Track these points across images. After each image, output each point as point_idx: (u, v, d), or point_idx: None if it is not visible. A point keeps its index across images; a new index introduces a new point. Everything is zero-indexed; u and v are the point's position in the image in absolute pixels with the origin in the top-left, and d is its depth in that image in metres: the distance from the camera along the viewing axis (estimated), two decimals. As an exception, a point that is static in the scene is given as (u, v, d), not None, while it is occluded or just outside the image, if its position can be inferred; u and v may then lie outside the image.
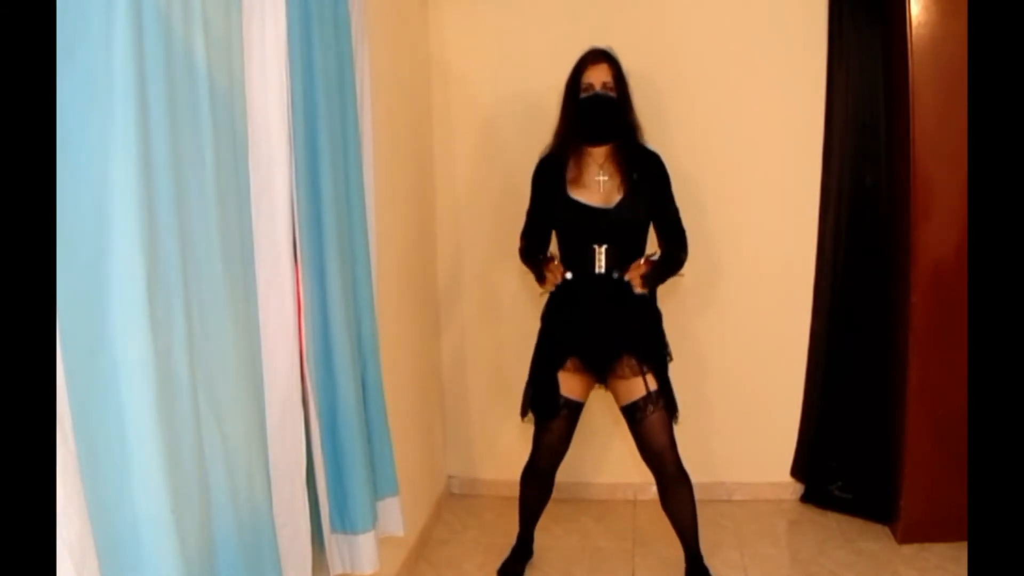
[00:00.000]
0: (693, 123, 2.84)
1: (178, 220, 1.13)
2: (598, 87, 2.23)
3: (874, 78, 2.67)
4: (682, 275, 2.39)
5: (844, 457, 2.83)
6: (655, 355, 2.31)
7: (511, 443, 3.00)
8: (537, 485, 2.49)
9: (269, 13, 1.44)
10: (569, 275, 2.27)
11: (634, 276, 2.23)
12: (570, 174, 2.28)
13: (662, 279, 2.31)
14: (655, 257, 2.27)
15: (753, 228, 2.89)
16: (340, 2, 1.80)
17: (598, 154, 2.28)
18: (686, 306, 2.87)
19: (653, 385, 2.27)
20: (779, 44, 2.79)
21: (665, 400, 2.29)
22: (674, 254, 2.33)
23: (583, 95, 2.24)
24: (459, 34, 2.95)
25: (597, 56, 2.27)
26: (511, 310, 3.03)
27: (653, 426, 2.27)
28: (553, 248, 2.42)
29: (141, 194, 1.02)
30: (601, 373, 2.33)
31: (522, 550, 2.58)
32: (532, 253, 2.39)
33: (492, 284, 3.06)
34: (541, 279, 2.33)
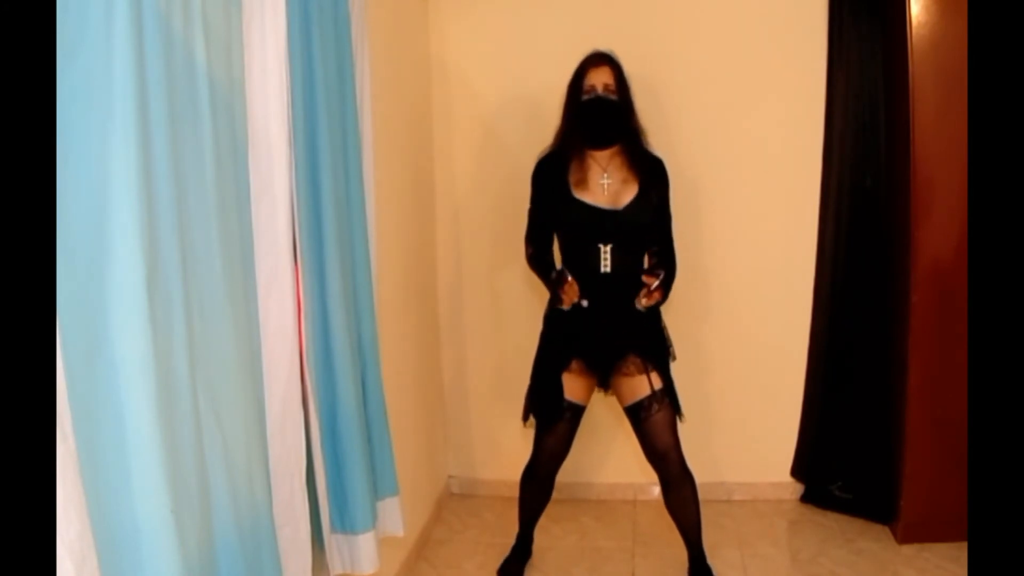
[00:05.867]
0: (693, 123, 2.84)
1: (178, 220, 1.13)
2: (600, 89, 2.23)
3: (874, 78, 2.67)
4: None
5: (844, 457, 2.83)
6: (659, 354, 2.31)
7: (511, 443, 3.00)
8: (537, 487, 2.50)
9: (269, 13, 1.44)
10: (585, 303, 2.25)
11: (648, 303, 2.23)
12: (573, 176, 2.27)
13: (666, 298, 2.30)
14: (659, 277, 2.22)
15: (753, 228, 2.89)
16: (340, 2, 1.80)
17: (601, 157, 2.28)
18: (686, 306, 2.87)
19: (658, 384, 2.26)
20: (779, 44, 2.79)
21: (669, 399, 2.29)
22: (669, 269, 2.32)
23: (585, 97, 2.24)
24: (459, 34, 2.95)
25: (599, 59, 2.26)
26: (512, 309, 3.03)
27: (658, 425, 2.27)
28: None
29: (141, 194, 1.02)
30: (604, 374, 2.33)
31: (522, 550, 2.59)
32: (542, 260, 2.38)
33: (492, 283, 3.06)
34: (556, 299, 2.29)
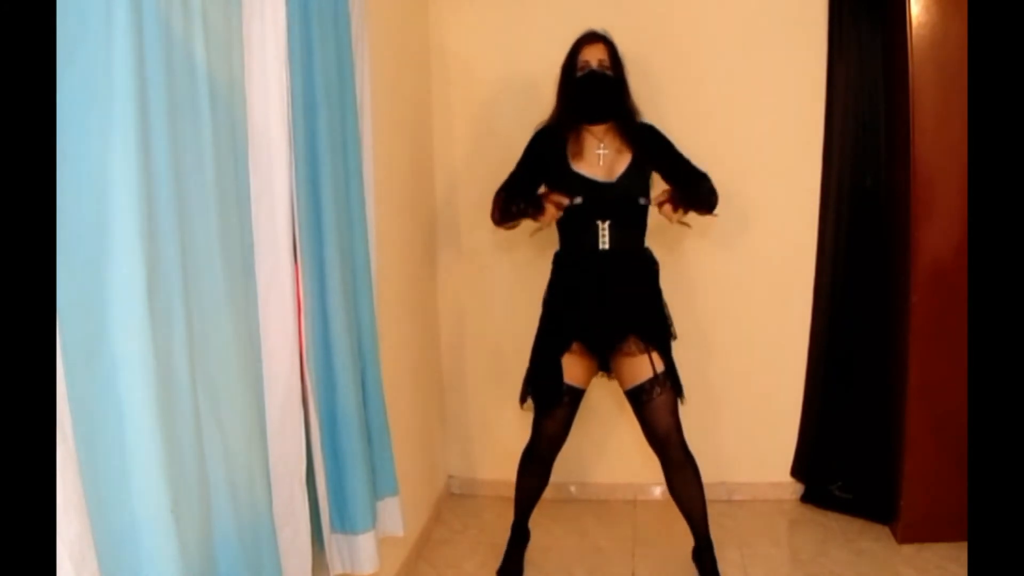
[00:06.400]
0: (693, 123, 2.83)
1: (178, 220, 1.13)
2: (594, 64, 2.23)
3: (874, 78, 2.67)
4: (716, 215, 2.32)
5: (844, 457, 2.83)
6: (660, 335, 2.30)
7: (511, 443, 2.99)
8: (535, 472, 2.47)
9: (269, 13, 1.44)
10: (579, 199, 2.18)
11: (663, 201, 2.16)
12: (571, 148, 2.27)
13: (692, 201, 2.22)
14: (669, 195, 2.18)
15: (753, 228, 2.89)
16: (340, 2, 1.80)
17: (597, 130, 2.29)
18: (686, 305, 2.87)
19: (660, 366, 2.26)
20: (779, 44, 2.79)
21: (671, 381, 2.28)
22: (694, 182, 2.26)
23: (579, 73, 2.25)
24: (460, 32, 2.95)
25: (593, 36, 2.28)
26: (511, 309, 3.03)
27: (659, 409, 2.26)
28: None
29: (141, 194, 1.02)
30: (604, 356, 2.32)
31: (518, 538, 2.55)
32: (514, 198, 2.27)
33: (493, 283, 3.06)
34: (539, 208, 2.18)
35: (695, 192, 2.25)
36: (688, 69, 2.84)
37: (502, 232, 2.99)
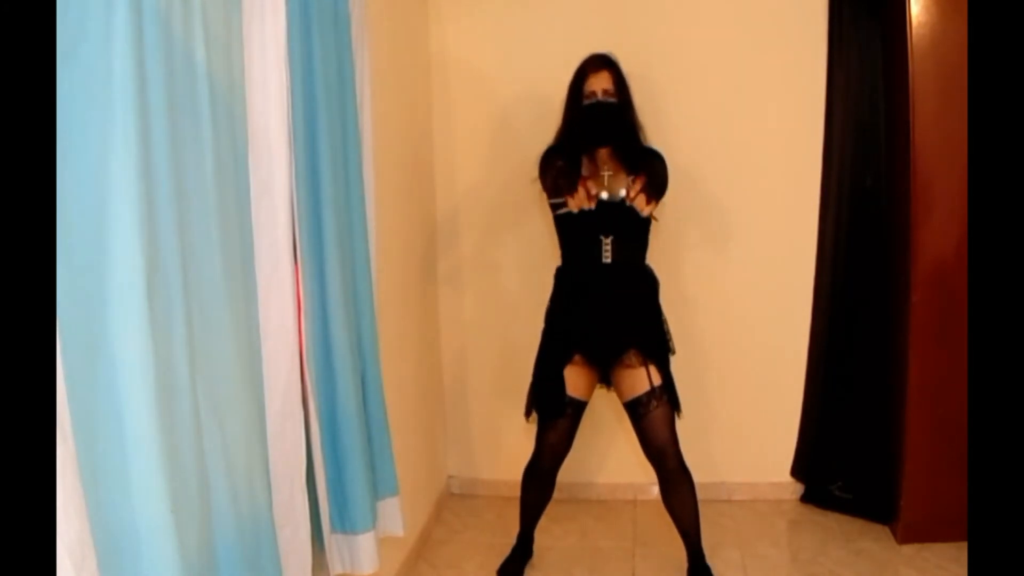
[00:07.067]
0: (694, 124, 2.84)
1: (178, 220, 1.13)
2: (600, 94, 2.27)
3: (874, 78, 2.67)
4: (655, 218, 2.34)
5: (844, 457, 2.83)
6: (658, 350, 2.32)
7: (511, 443, 3.00)
8: (539, 485, 2.50)
9: (269, 13, 1.44)
10: (605, 194, 2.22)
11: (637, 195, 2.19)
12: (585, 170, 2.30)
13: (658, 186, 2.24)
14: (641, 181, 2.21)
15: (753, 228, 2.89)
16: (340, 1, 1.80)
17: (603, 152, 2.31)
18: (686, 306, 2.87)
19: (657, 380, 2.28)
20: (779, 44, 2.79)
21: (668, 395, 2.30)
22: (650, 171, 2.26)
23: (586, 102, 2.28)
24: (460, 33, 2.95)
25: (598, 63, 2.30)
26: (512, 309, 3.03)
27: (656, 422, 2.28)
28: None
29: (141, 194, 1.02)
30: (605, 366, 2.34)
31: (522, 550, 2.59)
32: (559, 160, 2.27)
33: (492, 282, 3.06)
34: (574, 187, 2.18)
35: (654, 175, 2.25)
36: (688, 69, 2.84)
37: (502, 233, 3.01)
